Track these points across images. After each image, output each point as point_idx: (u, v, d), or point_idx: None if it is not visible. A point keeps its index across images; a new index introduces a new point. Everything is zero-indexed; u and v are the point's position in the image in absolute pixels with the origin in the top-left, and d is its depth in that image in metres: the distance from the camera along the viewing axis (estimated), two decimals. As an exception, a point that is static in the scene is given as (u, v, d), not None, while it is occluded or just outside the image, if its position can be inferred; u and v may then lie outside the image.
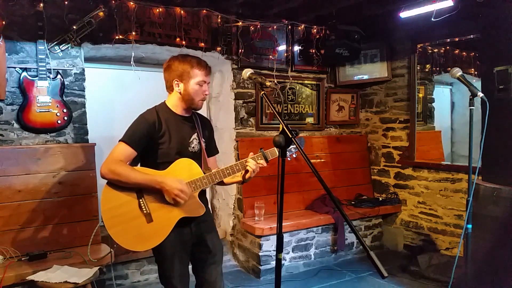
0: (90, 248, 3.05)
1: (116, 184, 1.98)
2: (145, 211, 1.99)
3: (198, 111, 2.29)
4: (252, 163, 2.09)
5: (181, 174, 2.05)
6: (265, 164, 2.13)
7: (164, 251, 2.07)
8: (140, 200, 1.99)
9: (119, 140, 2.03)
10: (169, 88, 2.18)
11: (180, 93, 2.13)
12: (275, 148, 2.10)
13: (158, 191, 2.00)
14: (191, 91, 2.11)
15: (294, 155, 2.25)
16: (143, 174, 1.99)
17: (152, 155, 2.09)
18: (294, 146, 2.09)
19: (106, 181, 2.01)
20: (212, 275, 2.20)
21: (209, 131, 2.34)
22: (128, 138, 2.02)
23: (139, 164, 2.16)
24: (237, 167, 2.11)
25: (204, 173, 2.11)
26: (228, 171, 2.09)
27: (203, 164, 2.18)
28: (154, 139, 2.07)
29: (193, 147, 2.17)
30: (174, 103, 2.17)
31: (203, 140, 2.22)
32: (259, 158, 2.12)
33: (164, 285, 2.14)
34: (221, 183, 2.20)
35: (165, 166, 2.07)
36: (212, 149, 2.34)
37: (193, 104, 2.15)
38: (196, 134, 2.19)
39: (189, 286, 2.19)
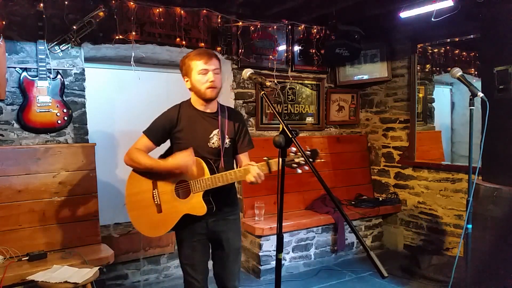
0: (89, 248, 3.06)
1: (138, 172, 2.20)
2: (156, 202, 2.17)
3: (231, 106, 2.32)
4: (253, 175, 2.00)
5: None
6: (259, 178, 2.03)
7: (180, 239, 2.24)
8: (154, 191, 2.18)
9: (142, 132, 2.21)
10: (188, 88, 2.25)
11: (190, 89, 2.20)
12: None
13: (169, 181, 2.16)
14: (195, 82, 2.13)
15: (305, 168, 2.01)
16: (151, 160, 2.15)
17: (173, 149, 2.21)
18: (303, 160, 1.93)
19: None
20: (225, 271, 2.27)
21: (240, 126, 2.28)
22: (147, 131, 2.19)
23: None
24: (240, 173, 2.07)
25: (212, 174, 2.11)
26: (231, 176, 2.08)
27: (222, 161, 2.18)
28: (172, 133, 2.18)
29: (213, 143, 2.18)
30: (194, 100, 2.22)
31: (226, 136, 2.21)
32: (263, 168, 2.03)
33: (181, 267, 2.30)
34: None
35: None
36: (244, 145, 2.29)
37: (201, 94, 2.14)
38: (217, 130, 2.18)
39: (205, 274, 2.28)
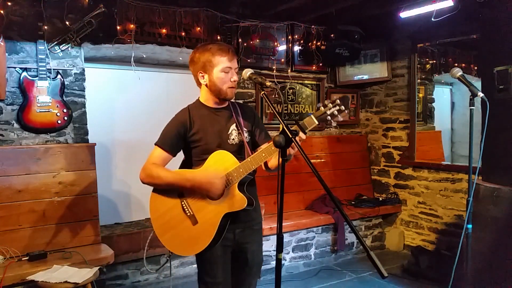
0: (89, 248, 3.06)
1: (159, 190, 1.99)
2: (188, 213, 1.95)
3: (237, 100, 2.16)
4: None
5: (216, 168, 1.94)
6: (304, 137, 1.82)
7: (206, 257, 2.00)
8: (182, 202, 1.95)
9: (154, 144, 2.01)
10: (198, 83, 2.07)
11: (206, 85, 2.01)
12: (311, 116, 1.85)
13: (195, 191, 1.94)
14: (216, 80, 1.97)
15: (340, 118, 1.83)
16: (174, 174, 1.96)
17: (192, 154, 2.04)
18: (337, 108, 1.76)
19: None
20: (244, 285, 2.14)
21: (253, 118, 2.16)
22: (161, 141, 1.99)
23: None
24: (272, 147, 1.84)
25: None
26: (263, 154, 1.88)
27: (246, 156, 2.01)
28: (187, 138, 2.00)
29: (233, 139, 2.05)
30: (205, 97, 2.06)
31: (244, 129, 2.08)
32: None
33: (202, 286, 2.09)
34: (267, 168, 2.07)
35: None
36: (262, 137, 2.15)
37: (221, 94, 2.00)
38: (234, 124, 2.06)
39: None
